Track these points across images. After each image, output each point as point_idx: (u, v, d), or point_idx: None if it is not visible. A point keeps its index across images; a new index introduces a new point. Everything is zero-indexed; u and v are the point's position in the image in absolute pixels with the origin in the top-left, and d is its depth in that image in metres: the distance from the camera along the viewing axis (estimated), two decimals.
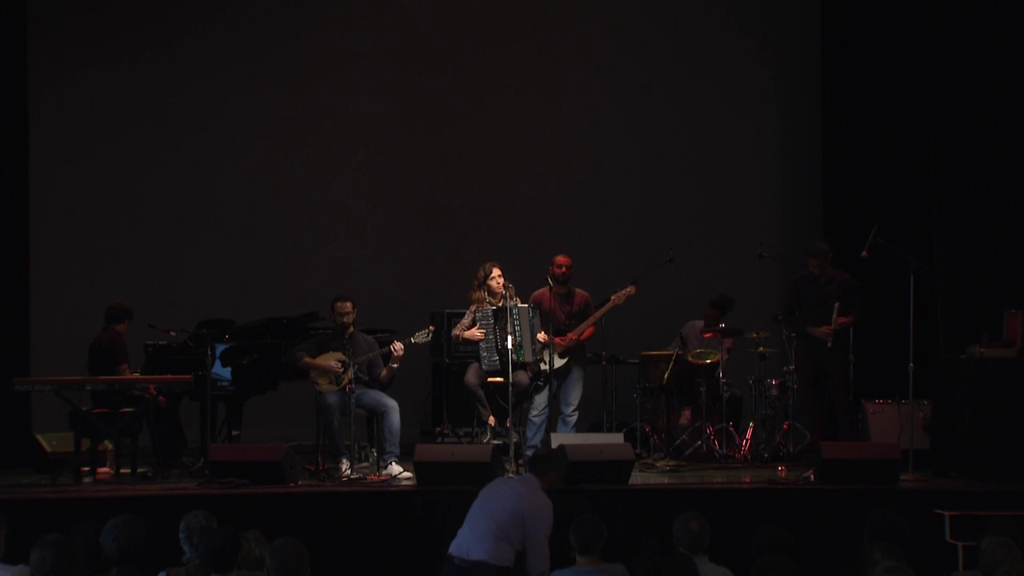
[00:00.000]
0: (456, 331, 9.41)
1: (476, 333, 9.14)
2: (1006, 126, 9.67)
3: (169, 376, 9.13)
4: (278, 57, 12.23)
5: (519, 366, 8.95)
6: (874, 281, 9.91)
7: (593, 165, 12.46)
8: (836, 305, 9.21)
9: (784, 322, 9.71)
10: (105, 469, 9.13)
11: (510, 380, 8.74)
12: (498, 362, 8.99)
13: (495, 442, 8.73)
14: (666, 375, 10.01)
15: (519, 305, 9.05)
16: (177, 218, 12.04)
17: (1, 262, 10.61)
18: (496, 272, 9.17)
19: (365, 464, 9.20)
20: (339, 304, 9.05)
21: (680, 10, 12.52)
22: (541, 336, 9.09)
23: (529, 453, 9.03)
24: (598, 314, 9.41)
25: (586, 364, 9.61)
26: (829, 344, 9.19)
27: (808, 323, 9.34)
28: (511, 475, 6.27)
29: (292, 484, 8.17)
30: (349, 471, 8.60)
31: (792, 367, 9.74)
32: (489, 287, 9.19)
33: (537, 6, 12.55)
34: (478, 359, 9.21)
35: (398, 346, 8.90)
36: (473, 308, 9.25)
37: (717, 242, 12.17)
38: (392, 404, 8.83)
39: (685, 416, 10.17)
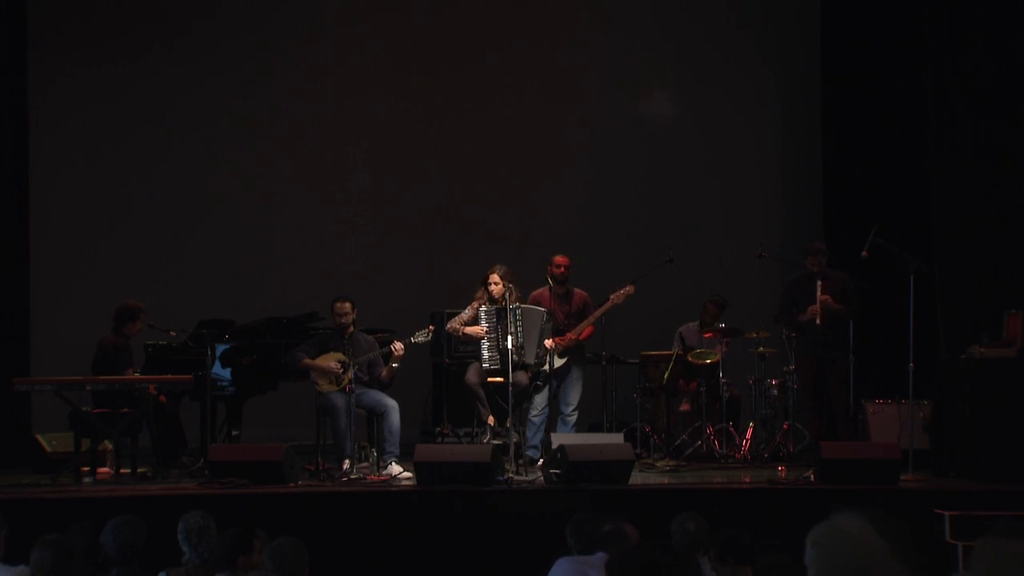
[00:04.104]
0: (454, 324, 9.32)
1: (478, 331, 9.14)
2: (1006, 126, 9.67)
3: (169, 376, 9.12)
4: (278, 57, 12.23)
5: (520, 366, 8.95)
6: (874, 281, 9.91)
7: (593, 165, 12.46)
8: (819, 284, 9.17)
9: (779, 320, 9.71)
10: (105, 469, 9.12)
11: (510, 380, 8.74)
12: (499, 360, 8.99)
13: (495, 442, 8.72)
14: (666, 375, 10.01)
15: (536, 308, 9.07)
16: (177, 218, 12.03)
17: (1, 262, 10.61)
18: (494, 278, 9.12)
19: (365, 464, 9.19)
20: (338, 305, 9.04)
21: (680, 10, 12.53)
22: (548, 342, 9.08)
23: (529, 453, 9.04)
24: (597, 313, 9.40)
25: (585, 364, 9.60)
26: (818, 322, 9.14)
27: (799, 316, 9.33)
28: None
29: (292, 484, 8.16)
30: (351, 471, 8.60)
31: (792, 367, 9.74)
32: (489, 291, 9.18)
33: (537, 6, 12.55)
34: (478, 359, 9.20)
35: (398, 346, 8.90)
36: (475, 304, 9.24)
37: (717, 242, 12.17)
38: (392, 404, 8.82)
39: (685, 405, 10.17)
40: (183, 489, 8.16)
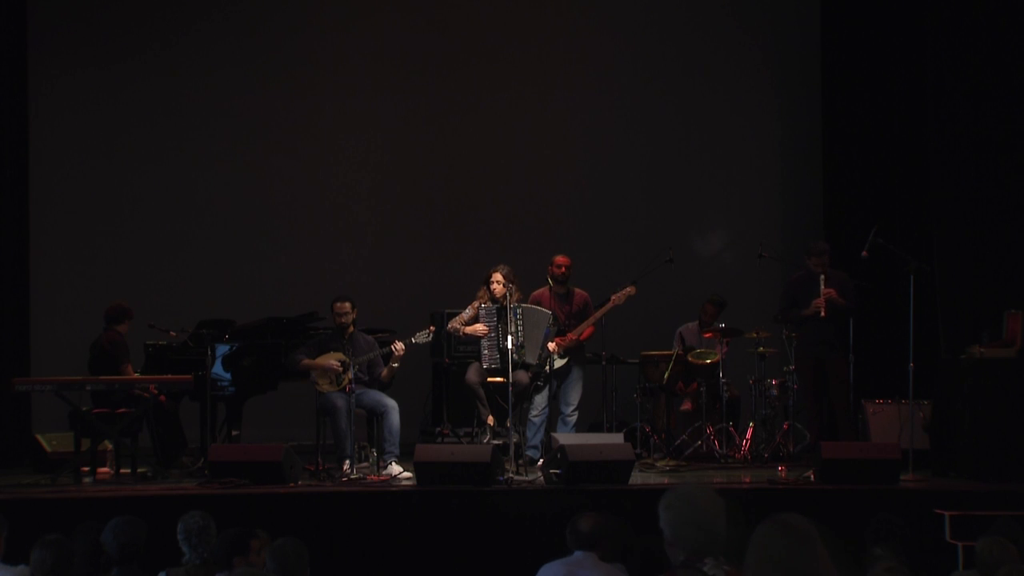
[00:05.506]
0: (455, 323, 9.33)
1: (480, 328, 9.13)
2: (1006, 126, 9.67)
3: (169, 376, 9.13)
4: (278, 57, 12.23)
5: (520, 366, 8.95)
6: (874, 281, 9.91)
7: (593, 165, 12.46)
8: (822, 277, 9.16)
9: (779, 320, 9.70)
10: (105, 469, 9.13)
11: (510, 380, 8.74)
12: (500, 360, 8.98)
13: (495, 442, 8.72)
14: (666, 375, 10.01)
15: (540, 309, 9.07)
16: (177, 218, 12.03)
17: (1, 262, 10.61)
18: (497, 277, 9.13)
19: (365, 464, 9.19)
20: (338, 305, 9.05)
21: (680, 10, 12.53)
22: (552, 345, 9.08)
23: (529, 453, 9.04)
24: (598, 314, 9.40)
25: (586, 364, 9.60)
26: (822, 314, 9.12)
27: (803, 311, 9.30)
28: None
29: (292, 484, 8.16)
30: (351, 471, 8.60)
31: (792, 367, 9.74)
32: (491, 290, 9.18)
33: (537, 6, 12.55)
34: (478, 358, 9.20)
35: (399, 346, 8.90)
36: (477, 304, 9.24)
37: (717, 242, 12.17)
38: (392, 404, 8.83)
39: (686, 404, 10.18)
40: (183, 489, 8.16)
